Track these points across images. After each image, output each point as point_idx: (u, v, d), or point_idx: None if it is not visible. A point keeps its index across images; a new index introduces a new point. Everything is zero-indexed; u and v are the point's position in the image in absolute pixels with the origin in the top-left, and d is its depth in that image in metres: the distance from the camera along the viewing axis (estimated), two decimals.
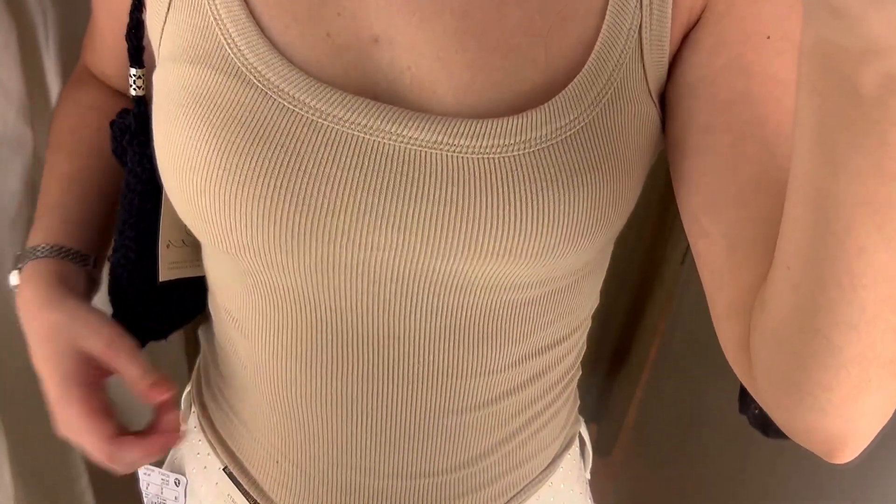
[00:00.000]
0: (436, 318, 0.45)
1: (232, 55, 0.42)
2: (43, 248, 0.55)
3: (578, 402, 0.64)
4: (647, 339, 1.61)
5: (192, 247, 0.56)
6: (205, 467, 0.60)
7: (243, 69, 0.42)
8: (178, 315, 0.62)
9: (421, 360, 0.47)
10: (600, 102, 0.43)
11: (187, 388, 0.66)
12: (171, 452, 0.65)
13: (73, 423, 0.50)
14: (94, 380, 0.51)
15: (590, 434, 0.65)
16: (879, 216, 0.30)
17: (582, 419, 0.65)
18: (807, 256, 0.34)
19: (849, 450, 0.41)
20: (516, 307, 0.46)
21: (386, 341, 0.46)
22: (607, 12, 0.43)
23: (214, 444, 0.60)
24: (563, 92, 0.42)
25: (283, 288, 0.45)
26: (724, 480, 1.21)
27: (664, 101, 0.46)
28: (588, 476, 0.68)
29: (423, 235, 0.41)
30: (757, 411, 0.92)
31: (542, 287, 0.46)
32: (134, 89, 0.52)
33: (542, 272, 0.44)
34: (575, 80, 0.42)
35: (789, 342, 0.37)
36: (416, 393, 0.48)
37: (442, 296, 0.44)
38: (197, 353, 0.65)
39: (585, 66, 0.42)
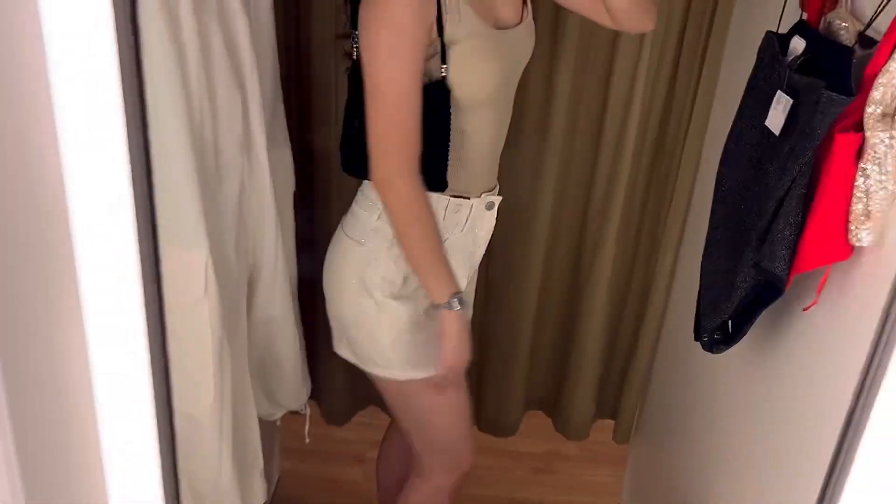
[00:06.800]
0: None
1: (478, 28, 1.16)
2: (461, 295, 1.25)
3: None
4: (651, 336, 1.96)
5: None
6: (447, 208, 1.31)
7: (488, 34, 1.18)
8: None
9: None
10: None
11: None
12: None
13: (464, 363, 1.27)
14: None
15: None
16: None
17: None
18: None
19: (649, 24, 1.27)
20: None
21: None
22: None
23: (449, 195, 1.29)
24: None
25: (500, 99, 1.26)
26: (722, 451, 1.42)
27: None
28: None
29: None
30: (706, 338, 1.29)
31: None
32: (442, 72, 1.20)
33: None
34: None
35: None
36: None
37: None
38: None
39: None
